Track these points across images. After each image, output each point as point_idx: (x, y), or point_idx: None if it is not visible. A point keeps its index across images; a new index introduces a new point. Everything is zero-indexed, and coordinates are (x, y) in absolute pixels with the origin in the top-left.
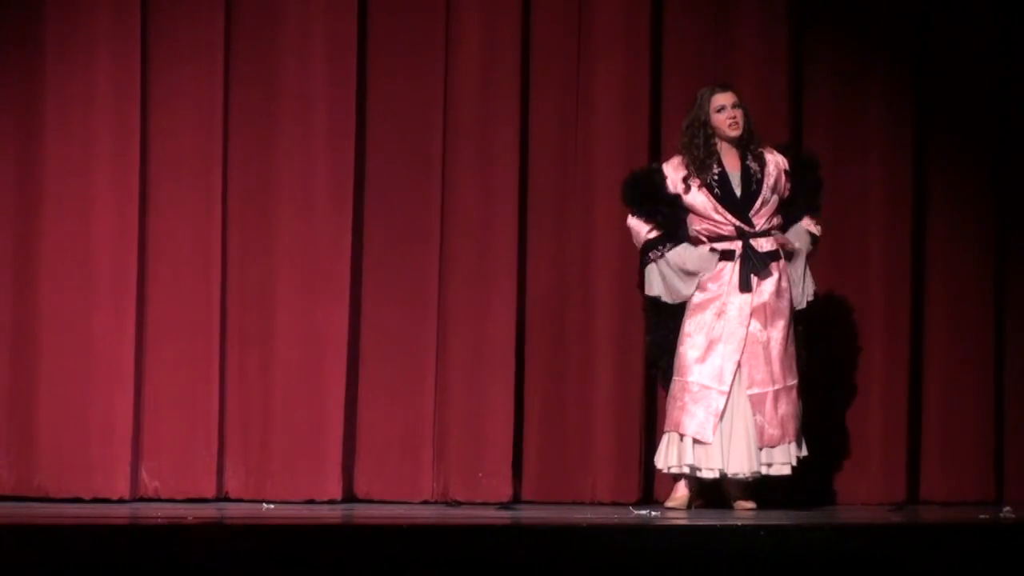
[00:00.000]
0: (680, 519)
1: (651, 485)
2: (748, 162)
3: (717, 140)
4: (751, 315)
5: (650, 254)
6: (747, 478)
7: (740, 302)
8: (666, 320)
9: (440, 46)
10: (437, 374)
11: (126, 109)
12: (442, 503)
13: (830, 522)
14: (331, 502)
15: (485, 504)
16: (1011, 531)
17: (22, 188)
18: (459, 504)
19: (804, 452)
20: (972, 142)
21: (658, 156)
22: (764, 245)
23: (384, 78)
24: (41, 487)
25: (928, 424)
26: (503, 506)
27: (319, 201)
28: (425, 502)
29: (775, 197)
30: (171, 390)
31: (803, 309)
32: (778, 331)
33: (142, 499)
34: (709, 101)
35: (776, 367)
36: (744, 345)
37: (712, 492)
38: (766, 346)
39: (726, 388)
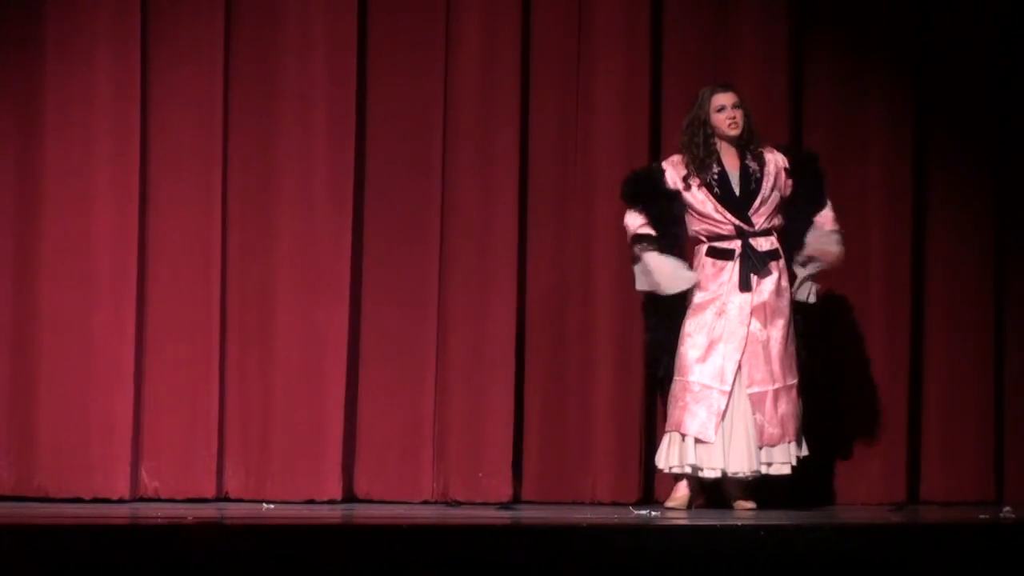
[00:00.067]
0: (680, 519)
1: (651, 485)
2: (747, 161)
3: (717, 139)
4: (751, 314)
5: (635, 248)
6: (747, 477)
7: (740, 301)
8: (665, 319)
9: (440, 46)
10: (437, 374)
11: (126, 109)
12: (442, 503)
13: (830, 522)
14: (331, 502)
15: (485, 504)
16: (1011, 531)
17: (22, 188)
18: (459, 504)
19: (804, 452)
20: (972, 142)
21: (658, 156)
22: (763, 244)
23: (384, 78)
24: (41, 487)
25: (928, 424)
26: (503, 506)
27: (319, 201)
28: (425, 502)
29: (775, 196)
30: (171, 390)
31: (801, 303)
32: (778, 330)
33: (142, 499)
34: (709, 101)
35: (776, 366)
36: (745, 344)
37: (712, 492)
38: (766, 345)
39: (727, 388)
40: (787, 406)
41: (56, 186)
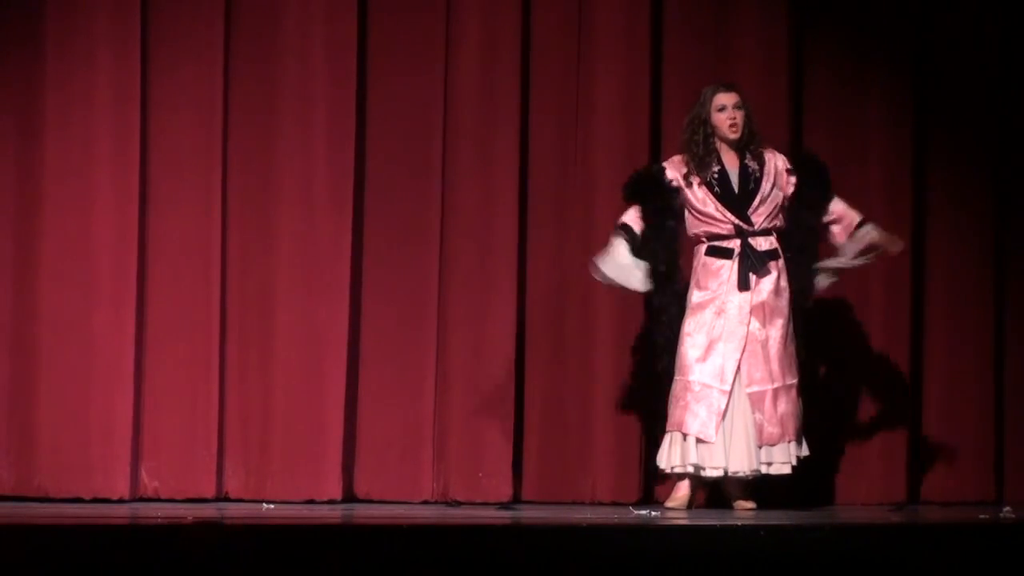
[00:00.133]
0: (680, 519)
1: (651, 485)
2: (747, 161)
3: (716, 139)
4: (750, 313)
5: (612, 234)
6: (747, 476)
7: (739, 301)
8: (664, 315)
9: (440, 46)
10: (437, 374)
11: (126, 109)
12: (442, 503)
13: (830, 522)
14: (331, 502)
15: (485, 504)
16: (1011, 531)
17: (22, 188)
18: (459, 504)
19: (805, 452)
20: (972, 142)
21: (658, 156)
22: (763, 244)
23: (384, 78)
24: (41, 487)
25: (928, 424)
26: (503, 506)
27: (319, 201)
28: (425, 502)
29: (774, 196)
30: (171, 390)
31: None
32: (777, 330)
33: (142, 499)
34: (711, 100)
35: (775, 366)
36: (744, 344)
37: (712, 492)
38: (765, 345)
39: (728, 387)
40: (787, 405)
41: (56, 186)
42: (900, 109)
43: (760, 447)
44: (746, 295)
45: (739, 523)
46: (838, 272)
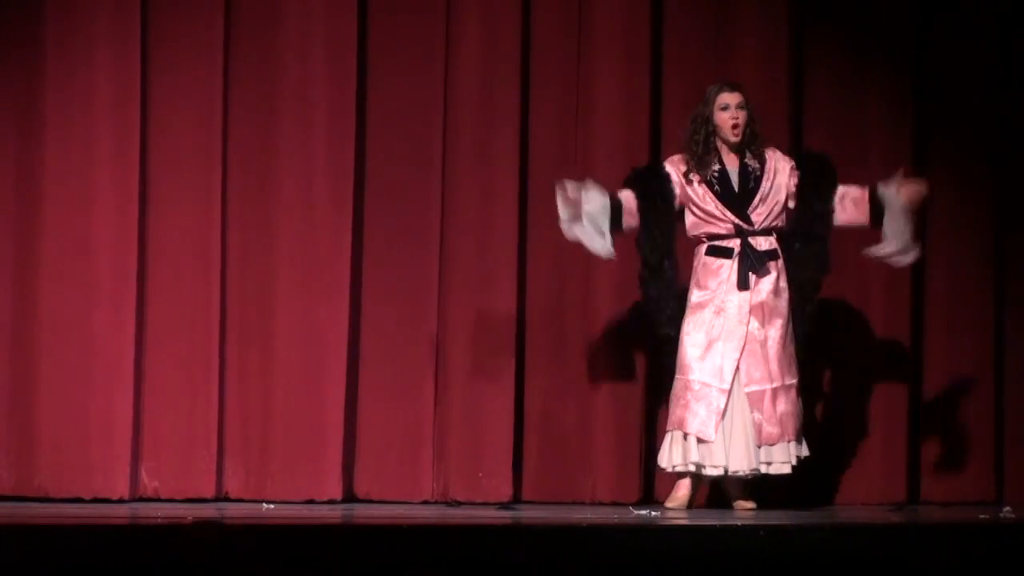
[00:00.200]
0: (680, 519)
1: (651, 485)
2: (747, 160)
3: (717, 138)
4: (749, 313)
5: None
6: (746, 475)
7: (739, 300)
8: (660, 280)
9: (440, 46)
10: (437, 374)
11: (126, 109)
12: (442, 503)
13: (830, 522)
14: (331, 502)
15: (485, 504)
16: (1011, 531)
17: (22, 188)
18: (459, 504)
19: (805, 451)
20: (972, 142)
21: (658, 156)
22: (762, 244)
23: (384, 78)
24: (41, 487)
25: (928, 424)
26: (503, 506)
27: (319, 201)
28: (425, 502)
29: (775, 195)
30: (171, 390)
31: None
32: (776, 330)
33: (142, 499)
34: (715, 99)
35: (774, 366)
36: (743, 344)
37: (712, 492)
38: (764, 344)
39: (727, 386)
40: (786, 405)
41: (56, 186)
42: (900, 109)
43: (759, 447)
44: (745, 295)
45: (739, 523)
46: (902, 247)
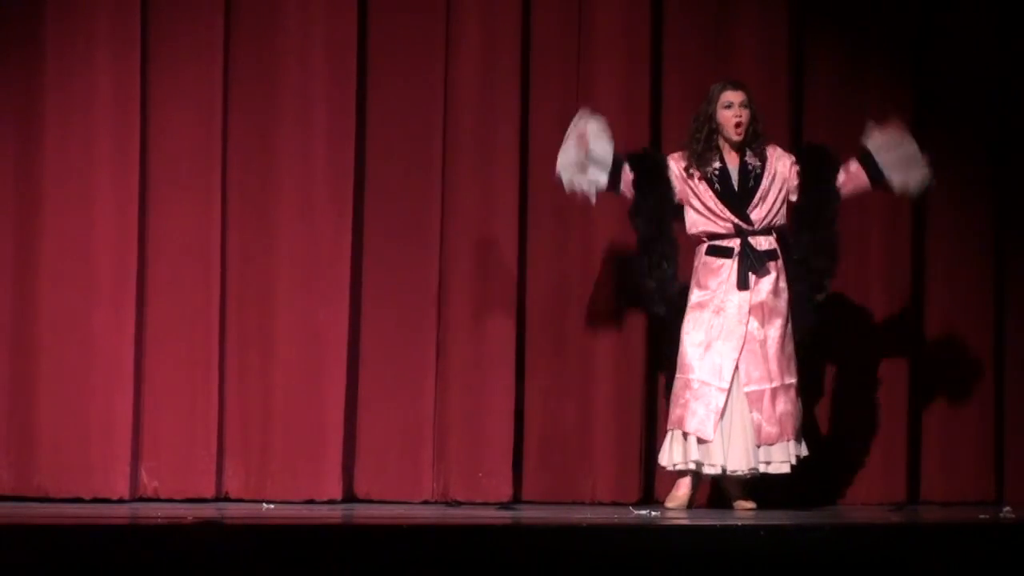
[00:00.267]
0: (680, 519)
1: (651, 485)
2: (747, 158)
3: (719, 136)
4: (749, 313)
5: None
6: (745, 475)
7: (739, 300)
8: (655, 242)
9: (440, 46)
10: (437, 374)
11: (126, 109)
12: (442, 503)
13: (830, 522)
14: (331, 502)
15: (485, 504)
16: (1011, 531)
17: (22, 188)
18: (459, 504)
19: (804, 451)
20: (972, 142)
21: None
22: (762, 243)
23: (384, 78)
24: (41, 487)
25: (928, 424)
26: (503, 506)
27: (319, 201)
28: (425, 502)
29: (775, 194)
30: (171, 390)
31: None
32: (775, 330)
33: (142, 499)
34: (719, 96)
35: (773, 365)
36: (743, 343)
37: (712, 492)
38: (763, 344)
39: (726, 385)
40: (785, 405)
41: (56, 187)
42: (900, 109)
43: (759, 446)
44: (745, 294)
45: (739, 523)
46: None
